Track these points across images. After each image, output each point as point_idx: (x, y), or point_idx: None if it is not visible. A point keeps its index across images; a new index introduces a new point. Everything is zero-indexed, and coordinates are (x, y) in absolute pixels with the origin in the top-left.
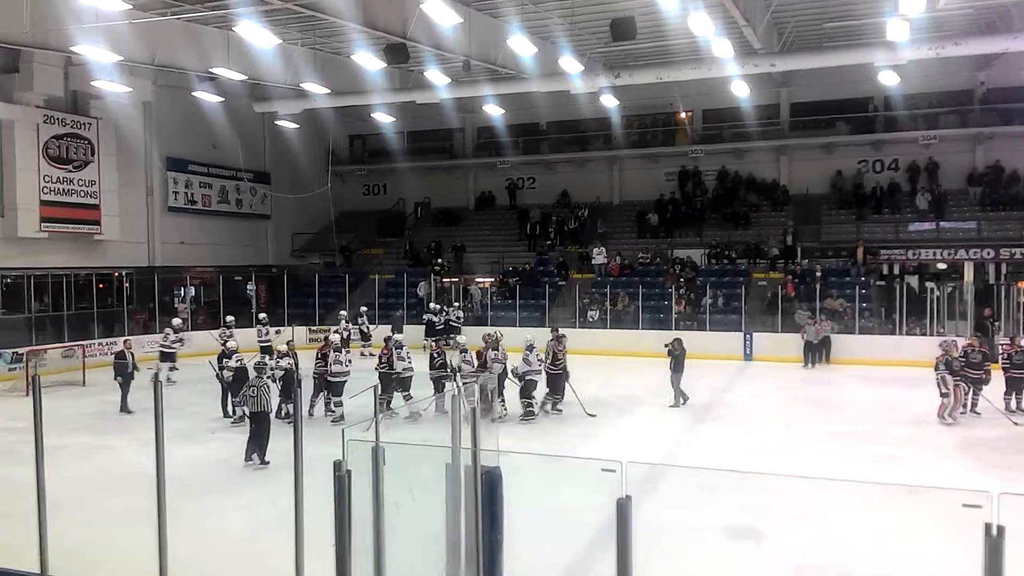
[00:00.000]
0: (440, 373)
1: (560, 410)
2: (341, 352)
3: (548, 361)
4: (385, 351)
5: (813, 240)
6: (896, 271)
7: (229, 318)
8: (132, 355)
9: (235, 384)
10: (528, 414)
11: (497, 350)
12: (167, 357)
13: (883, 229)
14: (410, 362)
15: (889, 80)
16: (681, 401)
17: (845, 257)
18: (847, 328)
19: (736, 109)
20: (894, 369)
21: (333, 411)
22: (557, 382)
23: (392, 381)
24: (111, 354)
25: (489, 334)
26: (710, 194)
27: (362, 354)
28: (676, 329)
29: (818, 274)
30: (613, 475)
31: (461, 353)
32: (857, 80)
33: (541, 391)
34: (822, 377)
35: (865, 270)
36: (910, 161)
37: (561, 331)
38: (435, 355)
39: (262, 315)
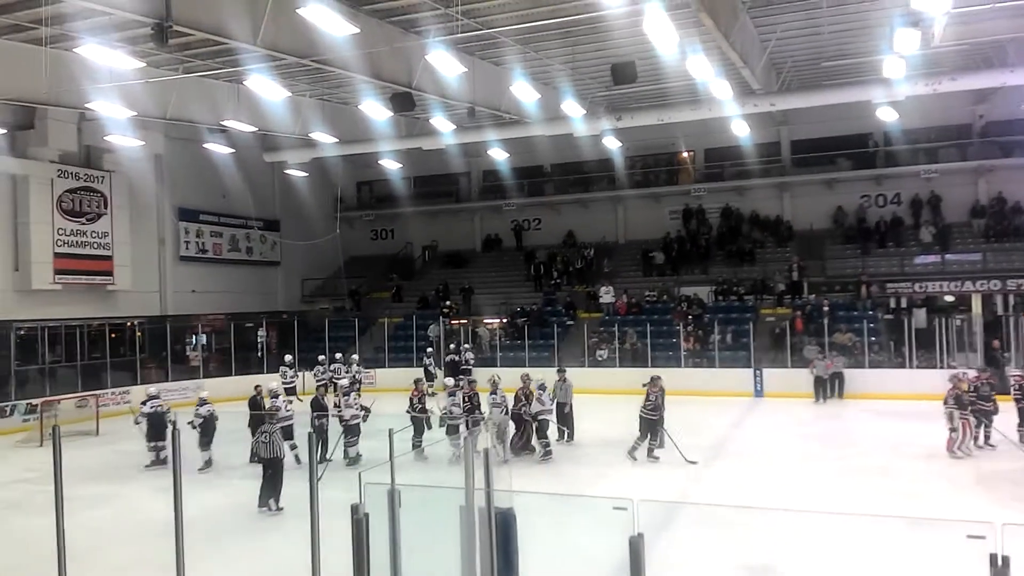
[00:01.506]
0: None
1: (657, 457)
2: (350, 396)
3: (647, 399)
4: (415, 392)
5: (819, 275)
6: (903, 304)
7: (288, 357)
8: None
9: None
10: (546, 454)
11: (495, 393)
12: (290, 392)
13: (888, 263)
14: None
15: (888, 116)
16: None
17: (851, 291)
18: (857, 363)
19: (737, 147)
20: (906, 403)
21: (349, 456)
22: (654, 427)
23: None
24: (124, 403)
25: (526, 374)
26: (714, 232)
27: (432, 394)
28: (685, 367)
29: (826, 308)
30: (625, 513)
31: (450, 396)
32: (856, 116)
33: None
34: (834, 412)
35: (872, 304)
36: (912, 195)
37: (656, 373)
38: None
39: (288, 357)
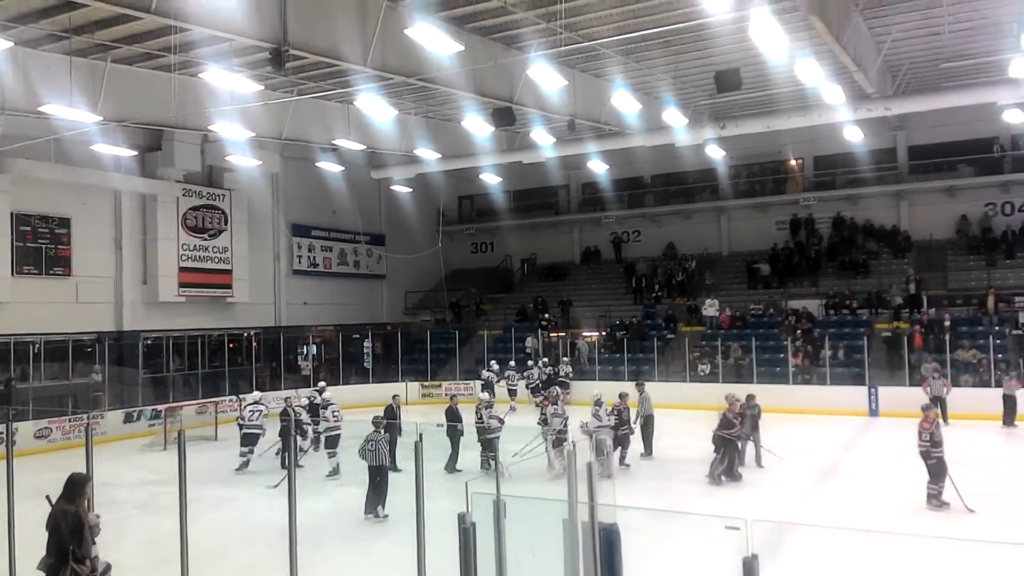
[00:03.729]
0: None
1: (946, 503)
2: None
3: (920, 439)
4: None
5: (939, 288)
6: None
7: (543, 359)
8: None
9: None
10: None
11: (556, 405)
12: (487, 387)
13: (1016, 275)
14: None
15: (1015, 118)
16: (758, 463)
17: (975, 306)
18: (982, 381)
19: (850, 154)
20: None
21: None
22: (939, 468)
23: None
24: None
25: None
26: (825, 242)
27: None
28: (793, 383)
29: (947, 323)
30: (737, 533)
31: (487, 409)
32: (980, 120)
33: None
34: (958, 434)
35: (999, 319)
36: None
37: (925, 403)
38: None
39: (543, 359)
